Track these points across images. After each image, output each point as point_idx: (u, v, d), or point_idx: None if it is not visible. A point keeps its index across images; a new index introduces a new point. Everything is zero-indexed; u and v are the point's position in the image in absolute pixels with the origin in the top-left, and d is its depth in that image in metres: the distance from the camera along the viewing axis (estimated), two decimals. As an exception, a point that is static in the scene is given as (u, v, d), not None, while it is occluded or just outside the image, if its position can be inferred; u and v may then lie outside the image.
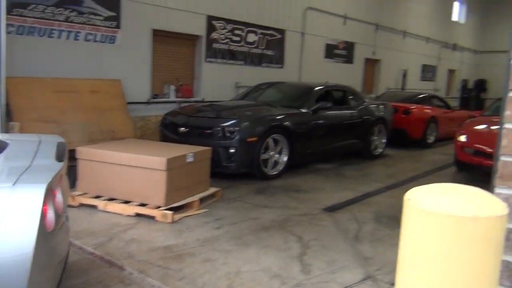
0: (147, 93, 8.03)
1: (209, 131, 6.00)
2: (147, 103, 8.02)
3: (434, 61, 18.17)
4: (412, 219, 0.88)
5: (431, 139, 10.12)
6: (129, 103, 7.40)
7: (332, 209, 4.90)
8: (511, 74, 1.31)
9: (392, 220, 4.57)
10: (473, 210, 0.80)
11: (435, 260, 0.83)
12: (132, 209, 4.32)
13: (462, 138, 6.80)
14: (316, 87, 7.58)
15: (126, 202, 4.45)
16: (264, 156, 6.10)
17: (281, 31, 10.81)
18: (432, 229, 0.83)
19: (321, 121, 7.06)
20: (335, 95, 8.01)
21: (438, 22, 18.12)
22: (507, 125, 1.22)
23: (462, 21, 20.40)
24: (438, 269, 0.83)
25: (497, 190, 1.25)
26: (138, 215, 4.27)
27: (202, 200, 4.78)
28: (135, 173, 4.44)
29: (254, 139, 5.94)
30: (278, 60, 10.84)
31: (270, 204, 4.99)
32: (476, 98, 19.85)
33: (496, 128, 7.41)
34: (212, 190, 5.07)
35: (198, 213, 4.53)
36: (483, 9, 21.61)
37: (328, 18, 12.20)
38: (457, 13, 20.00)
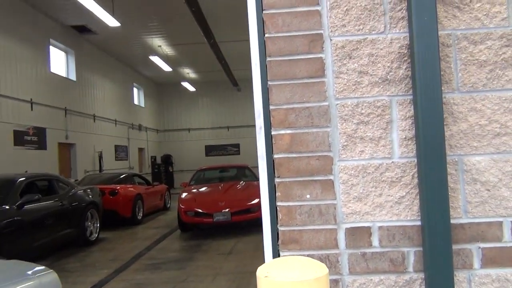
0: None
1: None
2: None
3: (125, 141, 19.22)
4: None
5: (140, 215, 10.58)
6: None
7: (67, 310, 4.49)
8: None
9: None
10: (313, 274, 1.12)
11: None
12: None
13: (184, 205, 8.52)
14: (17, 178, 6.85)
15: None
16: (-36, 270, 5.02)
17: (-44, 118, 9.30)
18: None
19: (29, 216, 6.42)
20: (40, 185, 7.45)
21: (123, 105, 19.46)
22: (279, 203, 1.65)
23: (142, 104, 22.58)
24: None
25: (281, 253, 1.65)
26: None
27: None
28: None
29: None
30: (-45, 152, 9.19)
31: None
32: (165, 171, 21.99)
33: (201, 193, 9.00)
34: None
35: None
36: (156, 95, 24.60)
37: (13, 104, 11.30)
38: (137, 97, 22.05)
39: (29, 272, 2.51)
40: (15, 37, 11.51)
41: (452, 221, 1.54)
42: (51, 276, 2.53)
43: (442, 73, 1.60)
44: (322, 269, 1.15)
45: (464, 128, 1.59)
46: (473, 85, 1.60)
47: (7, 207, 6.13)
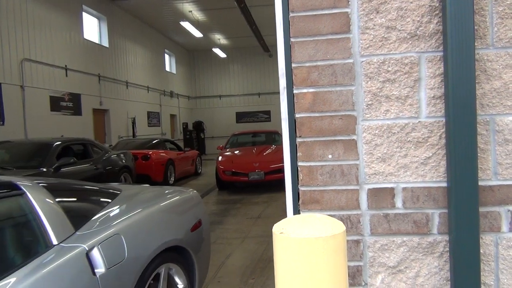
0: None
1: None
2: None
3: (157, 107, 19.49)
4: (286, 249, 1.10)
5: (171, 179, 10.82)
6: None
7: None
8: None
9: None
10: (330, 230, 1.10)
11: (310, 275, 1.09)
12: None
13: (222, 165, 9.60)
14: (54, 142, 7.09)
15: None
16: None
17: (-4, 85, 9.63)
18: (304, 252, 1.08)
19: (65, 178, 6.66)
20: (75, 149, 7.70)
21: (155, 72, 19.62)
22: (300, 163, 1.63)
23: (174, 71, 22.68)
24: (313, 281, 1.10)
25: (302, 213, 1.64)
26: None
27: None
28: None
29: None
30: (-4, 117, 9.57)
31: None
32: (197, 138, 22.26)
33: (237, 155, 9.99)
34: None
35: None
36: (188, 62, 24.61)
37: (49, 70, 11.58)
38: (168, 64, 22.14)
39: (182, 190, 3.39)
40: (49, 4, 11.68)
41: (480, 183, 1.48)
42: (196, 193, 3.43)
43: (475, 27, 1.50)
44: (339, 226, 1.13)
45: (498, 86, 1.50)
46: (509, 40, 1.49)
47: (44, 169, 6.37)
